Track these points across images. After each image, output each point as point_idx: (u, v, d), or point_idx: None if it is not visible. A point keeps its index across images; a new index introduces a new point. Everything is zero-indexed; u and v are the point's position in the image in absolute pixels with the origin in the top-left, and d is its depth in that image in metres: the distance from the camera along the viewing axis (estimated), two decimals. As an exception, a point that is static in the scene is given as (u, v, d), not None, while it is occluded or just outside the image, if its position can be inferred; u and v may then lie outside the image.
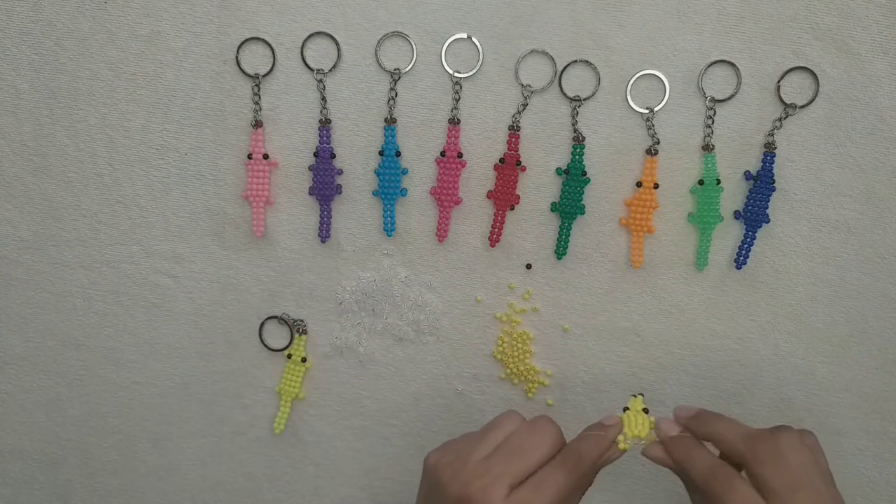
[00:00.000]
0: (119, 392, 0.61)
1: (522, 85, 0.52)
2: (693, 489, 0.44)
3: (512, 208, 0.54)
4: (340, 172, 0.54)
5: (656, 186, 0.52)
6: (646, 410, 0.46)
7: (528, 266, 0.55)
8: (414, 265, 0.56)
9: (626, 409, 0.46)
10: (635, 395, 0.48)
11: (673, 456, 0.44)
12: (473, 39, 0.51)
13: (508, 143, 0.52)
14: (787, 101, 0.50)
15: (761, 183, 0.51)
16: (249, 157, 0.54)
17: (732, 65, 0.50)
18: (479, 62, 0.51)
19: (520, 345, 0.56)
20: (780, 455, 0.39)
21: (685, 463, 0.42)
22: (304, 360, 0.58)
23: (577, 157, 0.52)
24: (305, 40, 0.52)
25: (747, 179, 0.51)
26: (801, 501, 0.38)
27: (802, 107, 0.50)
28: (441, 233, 0.54)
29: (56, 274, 0.59)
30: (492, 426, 0.45)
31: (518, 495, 0.40)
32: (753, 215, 0.52)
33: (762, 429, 0.42)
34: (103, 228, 0.57)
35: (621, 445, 0.44)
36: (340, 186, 0.55)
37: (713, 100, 0.50)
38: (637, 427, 0.45)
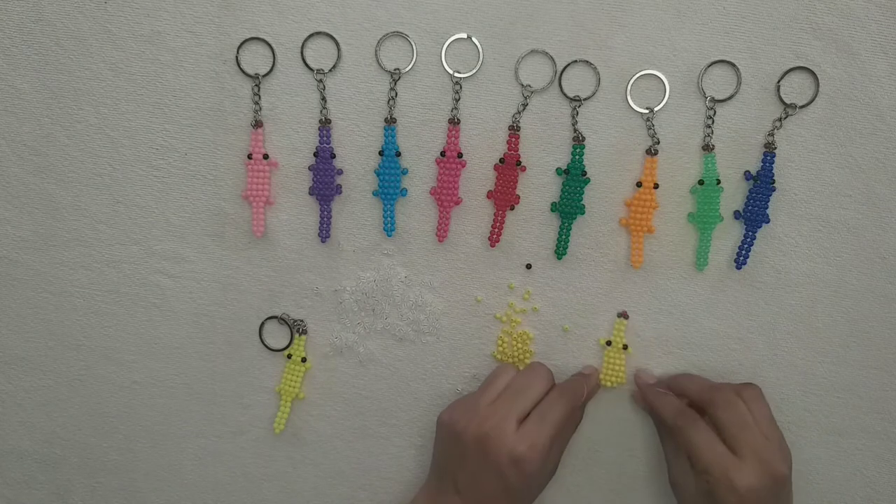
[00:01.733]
0: (119, 392, 0.61)
1: (522, 85, 0.52)
2: (664, 432, 0.52)
3: (512, 208, 0.54)
4: (340, 172, 0.54)
5: (656, 186, 0.52)
6: (625, 346, 0.55)
7: (528, 266, 0.55)
8: (414, 265, 0.56)
9: (608, 342, 0.55)
10: (620, 317, 0.55)
11: (647, 401, 0.53)
12: (473, 39, 0.51)
13: (508, 143, 0.52)
14: (787, 101, 0.50)
15: (761, 183, 0.51)
16: (249, 157, 0.54)
17: (732, 65, 0.50)
18: (479, 62, 0.51)
19: (520, 345, 0.56)
20: (733, 401, 0.48)
21: (657, 406, 0.52)
22: (304, 360, 0.58)
23: (577, 157, 0.52)
24: (305, 40, 0.52)
25: (747, 179, 0.51)
26: (747, 437, 0.46)
27: (802, 107, 0.50)
28: (441, 233, 0.54)
29: (56, 274, 0.59)
30: (491, 379, 0.53)
31: (526, 427, 0.48)
32: (753, 215, 0.52)
33: (721, 383, 0.52)
34: (103, 228, 0.57)
35: (605, 382, 0.55)
36: (340, 186, 0.55)
37: (713, 100, 0.50)
38: (614, 375, 0.55)
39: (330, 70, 0.52)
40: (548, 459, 0.48)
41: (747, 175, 0.51)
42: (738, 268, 0.53)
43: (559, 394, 0.50)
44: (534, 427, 0.48)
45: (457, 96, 0.52)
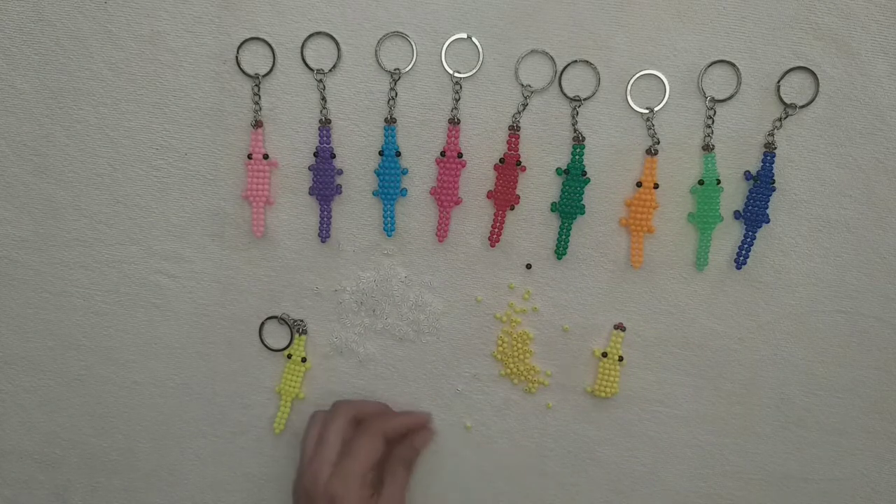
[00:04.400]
0: (119, 392, 0.61)
1: (522, 85, 0.52)
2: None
3: (512, 208, 0.54)
4: (340, 172, 0.54)
5: (656, 186, 0.52)
6: (620, 358, 0.56)
7: (528, 266, 0.55)
8: (414, 265, 0.56)
9: (604, 353, 0.56)
10: (616, 329, 0.55)
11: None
12: (473, 39, 0.51)
13: (508, 143, 0.52)
14: (787, 101, 0.50)
15: (761, 183, 0.51)
16: (249, 157, 0.54)
17: (732, 65, 0.50)
18: (479, 62, 0.51)
19: (520, 345, 0.56)
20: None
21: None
22: (304, 360, 0.58)
23: (577, 157, 0.52)
24: (305, 40, 0.52)
25: (747, 179, 0.51)
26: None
27: (802, 107, 0.50)
28: (441, 233, 0.54)
29: (56, 274, 0.59)
30: (304, 438, 0.56)
31: (336, 466, 0.52)
32: (753, 215, 0.52)
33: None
34: (103, 228, 0.57)
35: (599, 393, 0.56)
36: (340, 186, 0.55)
37: (713, 100, 0.50)
38: (609, 386, 0.56)
39: (330, 70, 0.52)
40: (364, 486, 0.51)
41: (747, 175, 0.51)
42: (738, 268, 0.53)
43: (363, 429, 0.54)
44: (342, 463, 0.51)
45: (457, 96, 0.52)
